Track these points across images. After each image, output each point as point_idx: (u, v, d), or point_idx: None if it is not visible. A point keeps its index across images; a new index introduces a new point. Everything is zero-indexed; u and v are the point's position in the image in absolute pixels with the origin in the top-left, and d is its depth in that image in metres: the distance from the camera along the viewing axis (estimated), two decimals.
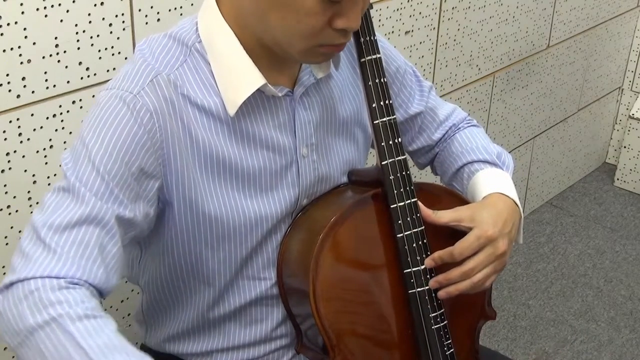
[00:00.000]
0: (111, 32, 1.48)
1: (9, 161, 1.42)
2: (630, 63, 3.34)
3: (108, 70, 1.50)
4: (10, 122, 1.40)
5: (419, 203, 1.17)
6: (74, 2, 1.40)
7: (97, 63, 1.48)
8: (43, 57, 1.40)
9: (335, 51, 1.09)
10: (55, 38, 1.40)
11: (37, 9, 1.36)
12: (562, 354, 2.45)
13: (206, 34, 1.10)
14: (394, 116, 1.17)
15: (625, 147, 3.30)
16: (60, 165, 1.47)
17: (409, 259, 1.17)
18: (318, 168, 1.20)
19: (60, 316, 0.94)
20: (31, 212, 1.47)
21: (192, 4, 1.59)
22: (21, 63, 1.37)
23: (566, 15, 2.79)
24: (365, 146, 1.31)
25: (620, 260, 2.89)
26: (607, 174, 3.44)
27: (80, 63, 1.45)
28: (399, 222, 1.16)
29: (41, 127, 1.44)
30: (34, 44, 1.38)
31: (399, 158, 1.16)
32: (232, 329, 1.24)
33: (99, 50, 1.47)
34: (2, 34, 1.33)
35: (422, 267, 1.18)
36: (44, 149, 1.46)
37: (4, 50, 1.34)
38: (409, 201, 1.16)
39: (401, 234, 1.16)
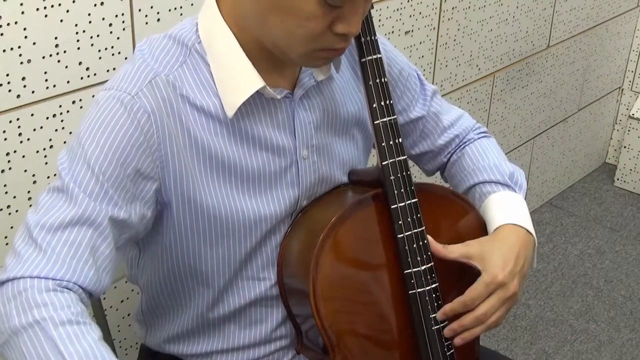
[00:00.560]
0: (111, 32, 1.48)
1: (9, 161, 1.42)
2: (630, 63, 3.34)
3: (108, 70, 1.50)
4: (10, 122, 1.40)
5: (429, 237, 1.18)
6: (74, 2, 1.40)
7: (97, 63, 1.48)
8: (43, 57, 1.40)
9: (335, 55, 1.08)
10: (55, 38, 1.40)
11: (37, 9, 1.36)
12: (562, 354, 2.45)
13: (206, 35, 1.10)
14: (395, 116, 1.16)
15: (625, 147, 3.30)
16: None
17: (409, 259, 1.17)
18: (318, 169, 1.20)
19: (44, 319, 0.94)
20: None
21: (192, 4, 1.59)
22: (21, 63, 1.37)
23: (566, 15, 2.79)
24: (367, 148, 1.31)
25: (620, 260, 2.89)
26: (607, 174, 3.45)
27: (80, 63, 1.45)
28: (399, 222, 1.16)
29: (41, 127, 1.44)
30: (34, 44, 1.38)
31: (400, 158, 1.16)
32: (232, 330, 1.24)
33: (99, 50, 1.47)
34: (2, 34, 1.33)
35: (423, 267, 1.17)
36: (44, 149, 1.46)
37: (4, 50, 1.34)
38: (410, 202, 1.16)
39: (401, 235, 1.16)
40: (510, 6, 2.49)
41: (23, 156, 1.43)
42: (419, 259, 1.17)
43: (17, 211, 1.46)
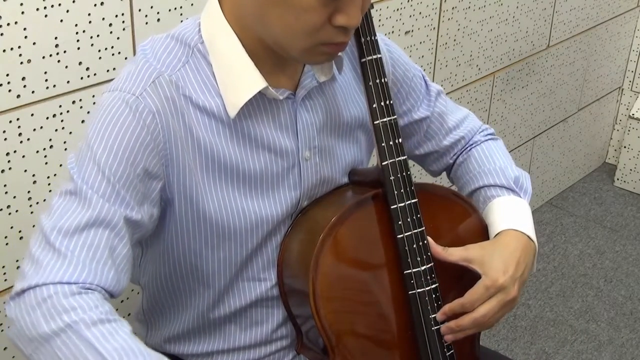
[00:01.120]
0: (111, 32, 1.48)
1: (9, 161, 1.42)
2: (630, 63, 3.34)
3: (108, 70, 1.50)
4: (10, 122, 1.39)
5: (429, 239, 1.18)
6: (74, 2, 1.40)
7: (97, 63, 1.48)
8: (43, 57, 1.40)
9: (336, 50, 1.08)
10: (55, 38, 1.40)
11: (37, 9, 1.36)
12: (562, 354, 2.45)
13: (208, 35, 1.10)
14: (395, 116, 1.16)
15: (625, 147, 3.30)
16: (60, 165, 1.48)
17: (409, 259, 1.17)
18: (320, 171, 1.20)
19: (75, 323, 0.94)
20: (31, 212, 1.48)
21: (192, 4, 1.59)
22: (21, 63, 1.37)
23: (566, 15, 2.79)
24: (370, 149, 1.31)
25: (620, 260, 2.89)
26: (607, 174, 3.45)
27: (80, 63, 1.45)
28: (399, 223, 1.16)
29: (41, 127, 1.44)
30: (34, 44, 1.37)
31: (400, 159, 1.16)
32: (233, 330, 1.24)
33: (99, 50, 1.47)
34: (2, 34, 1.33)
35: (422, 268, 1.17)
36: (44, 149, 1.46)
37: (4, 50, 1.34)
38: (410, 202, 1.16)
39: (401, 235, 1.16)
40: (510, 6, 2.49)
41: (23, 156, 1.43)
42: (418, 259, 1.17)
43: (17, 211, 1.46)
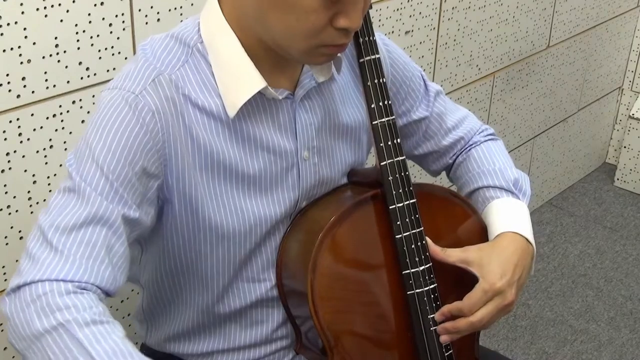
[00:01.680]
0: (111, 32, 1.48)
1: (9, 161, 1.42)
2: (630, 63, 3.34)
3: (108, 70, 1.50)
4: (10, 122, 1.40)
5: (428, 240, 1.18)
6: (74, 2, 1.40)
7: (97, 63, 1.48)
8: (43, 57, 1.40)
9: (336, 52, 1.08)
10: (55, 38, 1.40)
11: (37, 9, 1.36)
12: (562, 354, 2.45)
13: (208, 35, 1.10)
14: (393, 117, 1.16)
15: (625, 147, 3.30)
16: (60, 165, 1.48)
17: (407, 260, 1.17)
18: (319, 171, 1.20)
19: (67, 322, 0.94)
20: (31, 212, 1.48)
21: (192, 4, 1.59)
22: (21, 63, 1.37)
23: (566, 15, 2.79)
24: (368, 149, 1.31)
25: (620, 260, 2.89)
26: (607, 174, 3.45)
27: (80, 63, 1.46)
28: (398, 223, 1.16)
29: (41, 127, 1.44)
30: (34, 44, 1.38)
31: (398, 159, 1.16)
32: (233, 330, 1.24)
33: (99, 50, 1.47)
34: (2, 34, 1.33)
35: (421, 268, 1.18)
36: (44, 149, 1.46)
37: (4, 50, 1.34)
38: (408, 202, 1.16)
39: (400, 235, 1.16)
40: (510, 6, 2.49)
41: (23, 156, 1.43)
42: (417, 259, 1.17)
43: (17, 211, 1.46)
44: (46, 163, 1.47)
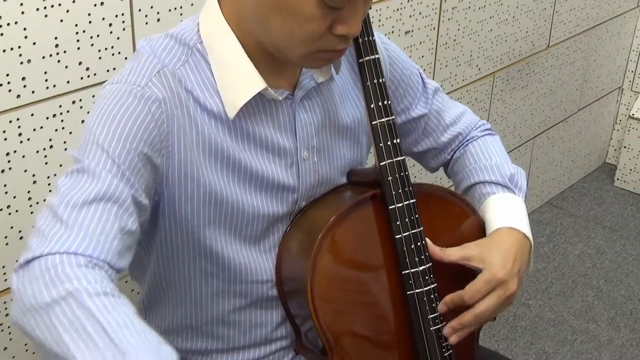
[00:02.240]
0: (111, 32, 1.48)
1: (9, 161, 1.42)
2: (630, 63, 3.34)
3: (108, 70, 1.50)
4: (10, 122, 1.40)
5: (427, 240, 1.18)
6: (74, 2, 1.40)
7: (97, 63, 1.48)
8: (43, 57, 1.40)
9: (335, 57, 1.09)
10: (55, 38, 1.40)
11: (37, 9, 1.36)
12: (562, 354, 2.45)
13: (207, 35, 1.10)
14: (393, 117, 1.17)
15: (625, 147, 3.30)
16: (61, 165, 1.48)
17: (407, 260, 1.17)
18: (319, 170, 1.21)
19: (77, 290, 0.89)
20: (31, 212, 1.48)
21: (192, 4, 1.59)
22: (21, 63, 1.37)
23: (566, 15, 2.79)
24: (368, 149, 1.31)
25: (620, 260, 2.89)
26: (607, 174, 3.45)
27: (80, 63, 1.46)
28: (397, 223, 1.16)
29: (41, 127, 1.44)
30: (34, 44, 1.38)
31: (398, 159, 1.16)
32: (232, 330, 1.24)
33: (99, 50, 1.47)
34: (2, 34, 1.33)
35: (421, 268, 1.18)
36: (44, 149, 1.46)
37: (4, 50, 1.34)
38: (408, 202, 1.16)
39: (399, 235, 1.16)
40: (510, 6, 2.49)
41: (23, 156, 1.43)
42: (417, 259, 1.17)
43: (17, 211, 1.47)
44: (46, 163, 1.47)
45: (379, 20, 2.03)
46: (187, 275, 1.20)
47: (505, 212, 1.26)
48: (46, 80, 1.42)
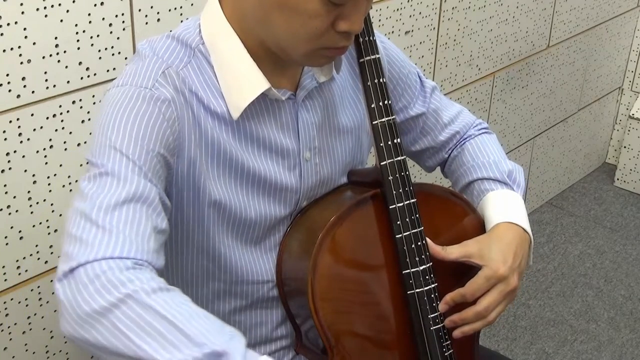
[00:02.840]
0: (111, 32, 1.48)
1: (9, 161, 1.42)
2: (630, 63, 3.34)
3: (108, 70, 1.50)
4: (10, 122, 1.40)
5: (428, 240, 1.18)
6: (74, 2, 1.40)
7: (97, 63, 1.48)
8: (43, 57, 1.40)
9: (337, 54, 1.09)
10: (55, 38, 1.40)
11: (37, 9, 1.36)
12: (562, 354, 2.45)
13: (209, 36, 1.10)
14: (393, 116, 1.17)
15: (625, 147, 3.30)
16: (61, 165, 1.48)
17: (407, 259, 1.17)
18: (320, 171, 1.21)
19: (135, 292, 0.88)
20: (31, 212, 1.48)
21: (192, 4, 1.59)
22: (21, 63, 1.37)
23: (566, 15, 2.79)
24: (369, 148, 1.31)
25: (620, 260, 2.89)
26: (607, 174, 3.45)
27: (80, 63, 1.46)
28: (398, 222, 1.16)
29: (41, 127, 1.44)
30: (34, 44, 1.38)
31: (398, 159, 1.16)
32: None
33: (99, 50, 1.47)
34: (2, 34, 1.33)
35: (421, 268, 1.18)
36: (44, 149, 1.46)
37: (4, 50, 1.34)
38: (408, 202, 1.16)
39: (400, 235, 1.16)
40: (510, 6, 2.49)
41: (23, 156, 1.43)
42: (417, 259, 1.17)
43: (17, 211, 1.46)
44: (46, 163, 1.47)
45: (379, 20, 2.03)
46: (188, 276, 1.20)
47: (504, 208, 1.26)
48: (46, 80, 1.42)
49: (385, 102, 1.16)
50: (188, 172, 1.09)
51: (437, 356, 1.21)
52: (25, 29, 1.36)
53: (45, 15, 1.37)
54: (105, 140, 1.01)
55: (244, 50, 1.08)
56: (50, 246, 1.53)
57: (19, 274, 1.51)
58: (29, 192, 1.47)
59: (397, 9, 2.07)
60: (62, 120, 1.47)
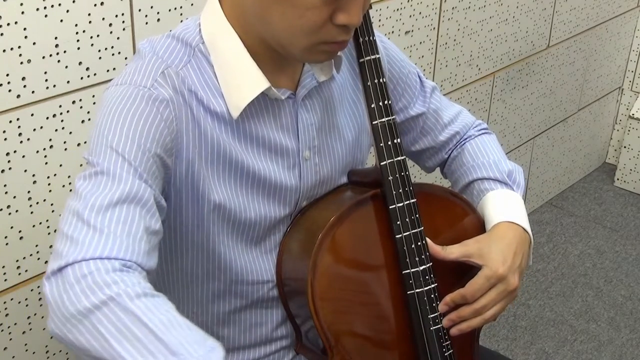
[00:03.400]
0: (111, 32, 1.48)
1: (9, 161, 1.42)
2: (630, 63, 3.34)
3: (108, 70, 1.50)
4: (10, 122, 1.40)
5: (428, 240, 1.18)
6: (74, 2, 1.40)
7: (97, 63, 1.48)
8: (43, 57, 1.40)
9: (336, 49, 1.08)
10: (55, 38, 1.40)
11: (37, 9, 1.36)
12: (562, 354, 2.45)
13: (209, 35, 1.10)
14: (393, 116, 1.17)
15: (625, 147, 3.30)
16: (61, 165, 1.48)
17: (407, 260, 1.17)
18: (319, 171, 1.20)
19: (118, 295, 0.89)
20: (31, 212, 1.48)
21: (192, 4, 1.59)
22: (21, 63, 1.37)
23: (566, 15, 2.79)
24: (369, 148, 1.31)
25: (620, 260, 2.89)
26: (607, 174, 3.45)
27: (80, 63, 1.46)
28: (398, 223, 1.16)
29: (41, 127, 1.44)
30: (34, 44, 1.38)
31: (398, 159, 1.16)
32: (233, 330, 1.24)
33: (99, 50, 1.47)
34: (2, 34, 1.33)
35: (421, 268, 1.18)
36: (44, 149, 1.46)
37: (4, 50, 1.34)
38: (408, 202, 1.16)
39: (400, 235, 1.16)
40: (510, 6, 2.49)
41: (23, 156, 1.43)
42: (417, 259, 1.17)
43: (17, 211, 1.47)
44: (46, 163, 1.47)
45: (379, 20, 2.03)
46: (188, 276, 1.20)
47: (504, 207, 1.26)
48: (46, 80, 1.42)
49: (385, 102, 1.16)
50: (187, 173, 1.09)
51: (437, 356, 1.21)
52: (25, 29, 1.36)
53: (45, 15, 1.37)
54: (102, 139, 1.02)
55: (244, 49, 1.08)
56: (50, 246, 1.53)
57: (19, 274, 1.51)
58: (29, 192, 1.47)
59: (397, 9, 2.07)
60: (62, 120, 1.47)
